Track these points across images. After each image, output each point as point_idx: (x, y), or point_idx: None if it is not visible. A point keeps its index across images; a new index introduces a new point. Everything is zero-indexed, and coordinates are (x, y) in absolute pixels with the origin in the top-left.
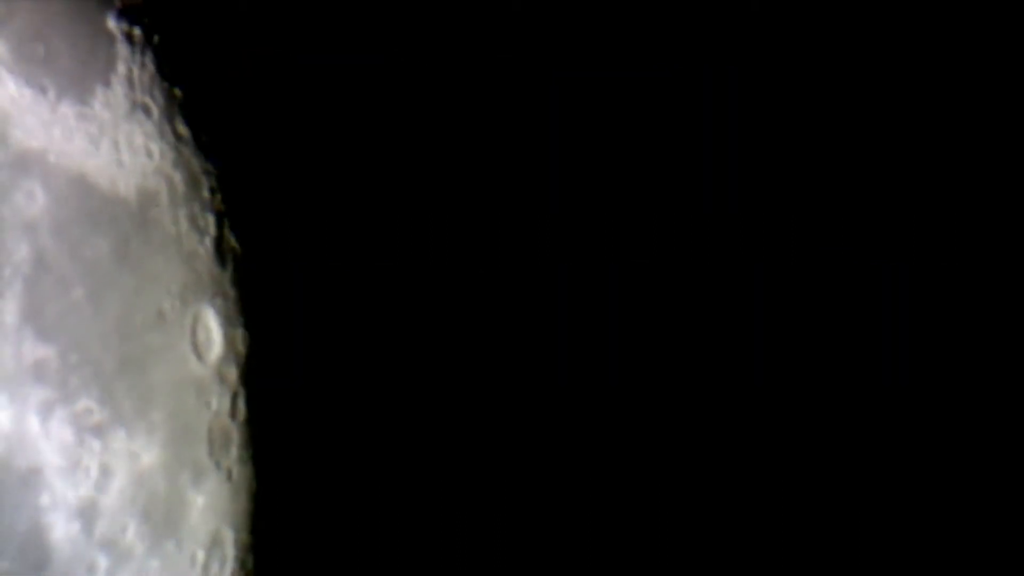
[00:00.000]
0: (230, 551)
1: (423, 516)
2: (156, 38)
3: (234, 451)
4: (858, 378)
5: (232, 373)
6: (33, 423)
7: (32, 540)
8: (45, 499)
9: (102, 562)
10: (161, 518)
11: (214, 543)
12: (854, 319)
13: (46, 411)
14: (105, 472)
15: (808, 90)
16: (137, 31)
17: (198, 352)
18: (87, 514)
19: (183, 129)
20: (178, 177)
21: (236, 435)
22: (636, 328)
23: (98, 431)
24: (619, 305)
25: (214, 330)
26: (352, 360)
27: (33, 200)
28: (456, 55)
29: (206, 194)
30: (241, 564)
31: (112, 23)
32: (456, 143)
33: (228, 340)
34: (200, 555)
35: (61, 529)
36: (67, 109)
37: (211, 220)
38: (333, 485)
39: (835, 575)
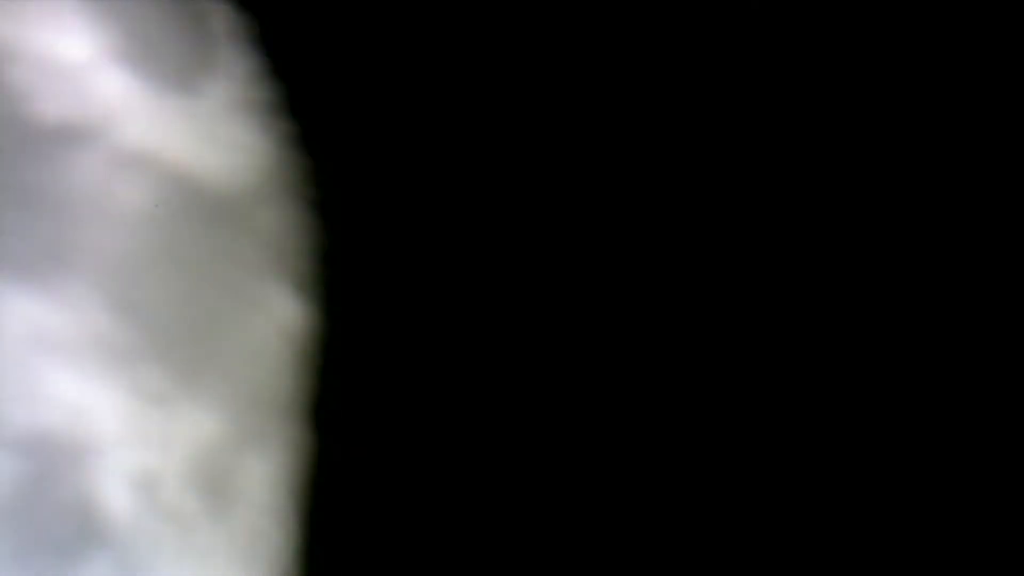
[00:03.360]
0: (292, 524)
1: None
2: (260, 30)
3: (299, 424)
4: (858, 378)
5: (302, 346)
6: (96, 391)
7: (92, 510)
8: (106, 468)
9: (164, 533)
10: (224, 489)
11: (277, 514)
12: (854, 319)
13: (109, 379)
14: (167, 442)
15: (808, 90)
16: (241, 22)
17: (268, 323)
18: (149, 485)
19: (288, 125)
20: (281, 173)
21: (302, 408)
22: (636, 328)
23: (160, 400)
24: (619, 306)
25: (285, 302)
26: (422, 340)
27: (138, 194)
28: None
29: (309, 189)
30: (303, 535)
31: (216, 13)
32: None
33: (299, 312)
34: (263, 526)
35: (122, 500)
36: (172, 103)
37: (311, 214)
38: (396, 460)
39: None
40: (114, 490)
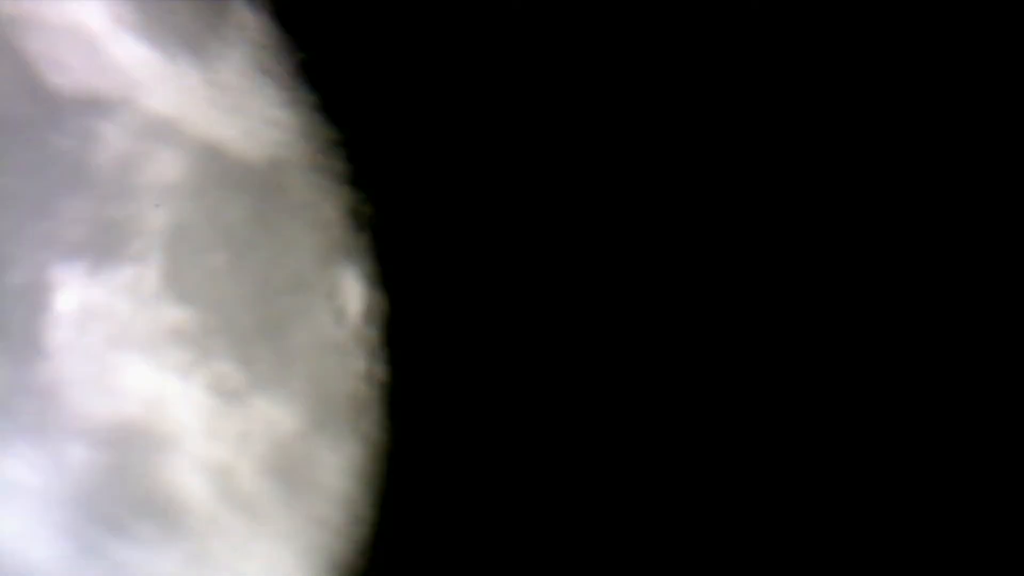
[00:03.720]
0: (363, 516)
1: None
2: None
3: (373, 414)
4: (858, 377)
5: (372, 336)
6: (172, 386)
7: (168, 502)
8: (182, 462)
9: (235, 523)
10: (295, 480)
11: (347, 507)
12: (854, 320)
13: (185, 375)
14: (242, 436)
15: (807, 90)
16: None
17: (337, 315)
18: (222, 477)
19: (310, 95)
20: (306, 143)
21: (375, 399)
22: (636, 328)
23: (236, 395)
24: (619, 305)
25: (354, 293)
26: (487, 324)
27: (166, 166)
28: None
29: (335, 159)
30: (374, 529)
31: None
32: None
33: (368, 303)
34: (333, 518)
35: (196, 491)
36: (194, 75)
37: (341, 185)
38: (468, 452)
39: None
40: (191, 482)
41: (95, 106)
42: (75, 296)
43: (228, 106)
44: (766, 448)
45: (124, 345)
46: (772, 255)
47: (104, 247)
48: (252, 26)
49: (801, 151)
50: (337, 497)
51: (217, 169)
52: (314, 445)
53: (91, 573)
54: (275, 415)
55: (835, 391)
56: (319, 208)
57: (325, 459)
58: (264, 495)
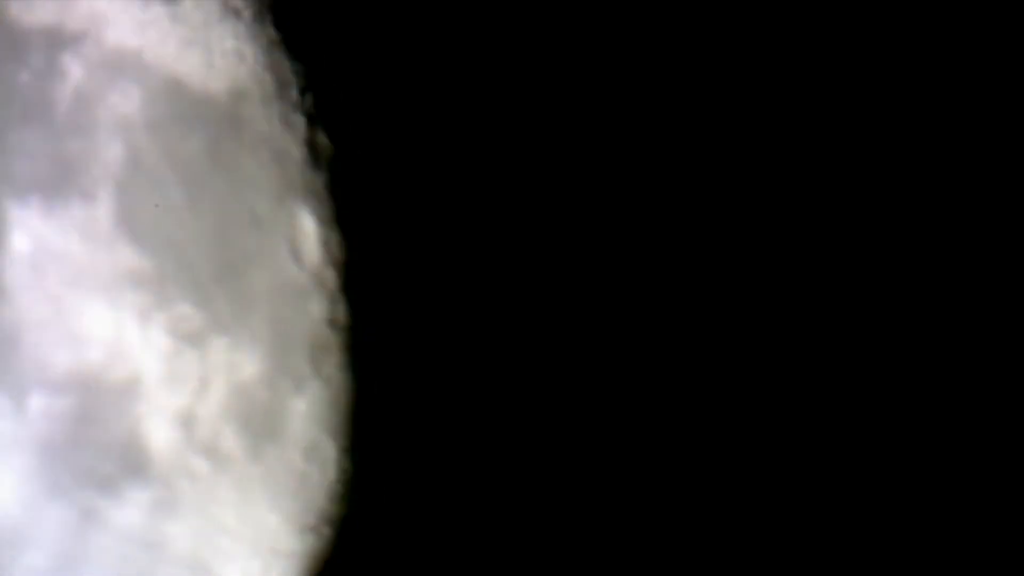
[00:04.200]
0: (330, 458)
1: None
2: None
3: (334, 357)
4: (858, 377)
5: (331, 278)
6: (132, 330)
7: (133, 447)
8: (145, 406)
9: (202, 467)
10: (260, 425)
11: (313, 450)
12: (855, 319)
13: (144, 317)
14: (204, 379)
15: (806, 90)
16: None
17: (296, 256)
18: (186, 421)
19: (273, 31)
20: (268, 79)
21: (336, 341)
22: (636, 328)
23: (196, 338)
24: (619, 305)
25: (311, 233)
26: (451, 265)
27: (126, 100)
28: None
29: (296, 95)
30: (341, 471)
31: None
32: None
33: (326, 244)
34: (300, 462)
35: (161, 436)
36: (160, 9)
37: (302, 121)
38: (434, 393)
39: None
40: (155, 429)
41: (57, 39)
42: (30, 235)
43: (190, 40)
44: (765, 448)
45: (81, 286)
46: (772, 255)
47: (60, 183)
48: None
49: (801, 150)
50: (303, 445)
51: (177, 102)
52: (276, 390)
53: (60, 517)
54: (236, 359)
55: (835, 391)
56: (277, 143)
57: (288, 404)
58: (228, 440)
